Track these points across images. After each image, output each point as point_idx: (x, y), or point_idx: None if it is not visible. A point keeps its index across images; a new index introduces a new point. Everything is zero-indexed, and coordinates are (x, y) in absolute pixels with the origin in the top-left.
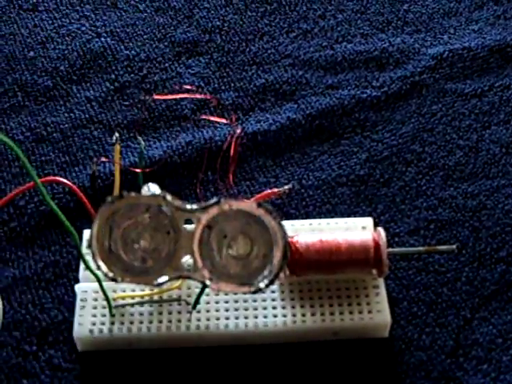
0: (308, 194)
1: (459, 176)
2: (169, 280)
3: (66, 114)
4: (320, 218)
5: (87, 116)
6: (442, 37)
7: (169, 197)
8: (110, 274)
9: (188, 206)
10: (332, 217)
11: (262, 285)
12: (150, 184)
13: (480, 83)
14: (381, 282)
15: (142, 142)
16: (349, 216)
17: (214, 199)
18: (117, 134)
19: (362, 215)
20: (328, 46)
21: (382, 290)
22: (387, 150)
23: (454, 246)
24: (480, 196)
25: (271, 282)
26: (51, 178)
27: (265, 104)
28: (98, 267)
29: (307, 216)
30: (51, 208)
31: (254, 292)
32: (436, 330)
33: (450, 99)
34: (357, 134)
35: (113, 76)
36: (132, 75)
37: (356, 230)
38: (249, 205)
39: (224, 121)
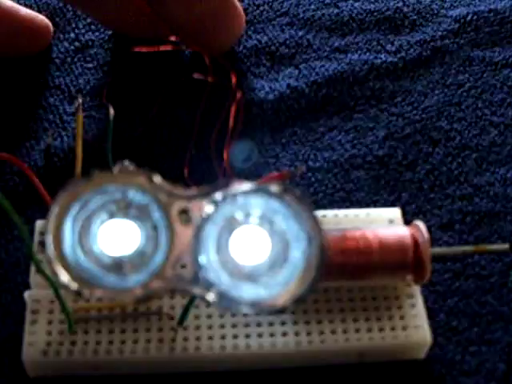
0: (316, 178)
1: (496, 159)
2: (155, 295)
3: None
4: (332, 208)
5: (41, 80)
6: None
7: (157, 178)
8: (74, 286)
9: (183, 191)
10: (346, 206)
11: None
12: (126, 162)
13: (510, 51)
14: (416, 289)
15: (112, 111)
16: (367, 206)
17: (220, 181)
18: (80, 100)
19: (384, 205)
20: (331, 3)
21: (419, 300)
22: (409, 126)
23: (507, 245)
24: None
25: (302, 298)
26: None
27: (259, 69)
28: (56, 276)
29: (316, 206)
30: None
31: (277, 312)
32: (482, 349)
33: (477, 68)
34: (372, 107)
35: (72, 35)
36: (96, 33)
37: (387, 224)
38: (270, 188)
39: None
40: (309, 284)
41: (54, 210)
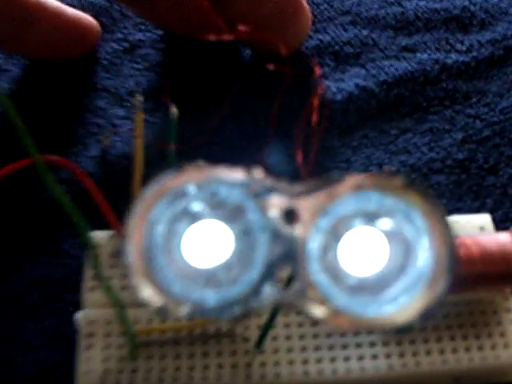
0: None
1: None
2: (255, 312)
3: (61, 81)
4: None
5: (88, 83)
6: None
7: (258, 172)
8: (159, 301)
9: (288, 187)
10: None
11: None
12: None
13: None
14: None
15: (175, 110)
16: (451, 212)
17: (333, 175)
18: (140, 97)
19: (468, 212)
20: (395, 2)
21: None
22: (487, 128)
23: None
24: None
25: (429, 313)
26: (49, 157)
27: (323, 69)
28: (135, 289)
29: None
30: (55, 194)
31: (399, 332)
32: None
33: None
34: (446, 108)
35: (120, 35)
36: (145, 33)
37: (478, 232)
38: (394, 182)
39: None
40: (437, 296)
41: (137, 210)
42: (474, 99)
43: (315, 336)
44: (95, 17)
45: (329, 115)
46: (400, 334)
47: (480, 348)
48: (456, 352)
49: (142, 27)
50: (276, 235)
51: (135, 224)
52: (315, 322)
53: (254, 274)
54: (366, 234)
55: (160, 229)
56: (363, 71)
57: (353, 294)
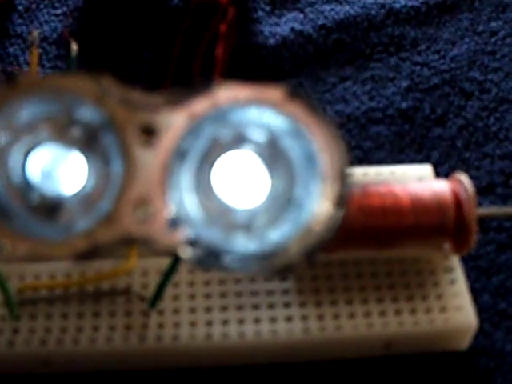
0: None
1: None
2: (103, 248)
3: None
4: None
5: (2, 29)
6: None
7: (108, 81)
8: None
9: (146, 99)
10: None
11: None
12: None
13: None
14: (457, 262)
15: (75, 46)
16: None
17: (200, 84)
18: (35, 33)
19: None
20: None
21: (460, 275)
22: (436, 76)
23: None
24: None
25: (313, 250)
26: None
27: (256, 13)
28: None
29: None
30: None
31: (281, 271)
32: None
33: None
34: (391, 55)
35: None
36: None
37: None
38: (270, 95)
39: None
40: (323, 231)
41: None
42: (423, 46)
43: (222, 295)
44: None
45: (260, 62)
46: (277, 274)
47: (412, 311)
48: (384, 315)
49: None
50: (132, 159)
51: None
52: (222, 281)
53: (107, 204)
54: (244, 159)
55: None
56: (301, 15)
57: (225, 230)
